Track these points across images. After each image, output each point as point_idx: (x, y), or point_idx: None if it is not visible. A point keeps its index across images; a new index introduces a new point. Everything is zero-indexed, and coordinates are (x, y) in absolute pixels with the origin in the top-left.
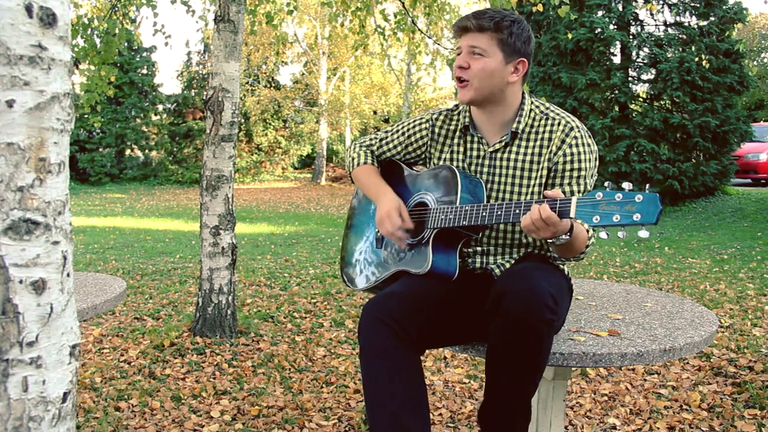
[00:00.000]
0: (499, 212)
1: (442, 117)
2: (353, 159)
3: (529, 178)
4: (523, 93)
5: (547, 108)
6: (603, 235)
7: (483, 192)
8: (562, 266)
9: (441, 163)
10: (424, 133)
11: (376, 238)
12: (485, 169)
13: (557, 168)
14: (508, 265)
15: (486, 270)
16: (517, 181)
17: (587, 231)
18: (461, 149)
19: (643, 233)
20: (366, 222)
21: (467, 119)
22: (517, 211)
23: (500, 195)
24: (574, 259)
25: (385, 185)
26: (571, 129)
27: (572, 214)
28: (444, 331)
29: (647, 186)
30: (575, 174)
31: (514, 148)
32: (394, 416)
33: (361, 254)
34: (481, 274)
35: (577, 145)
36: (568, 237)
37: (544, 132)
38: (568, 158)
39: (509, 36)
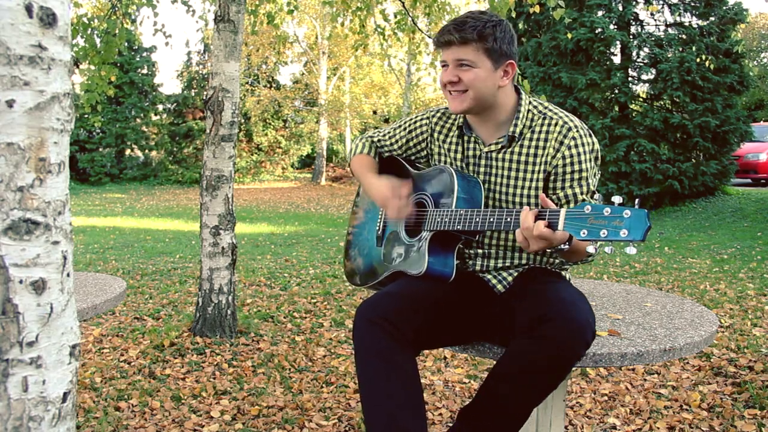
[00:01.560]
0: (492, 219)
1: (439, 114)
2: (353, 150)
3: (524, 179)
4: (520, 93)
5: (546, 107)
6: (590, 249)
7: (481, 193)
8: (564, 272)
9: (440, 160)
10: (424, 129)
11: (377, 236)
12: (482, 169)
13: (557, 171)
14: (509, 278)
15: (484, 274)
16: (512, 182)
17: None
18: (459, 148)
19: (630, 249)
20: (369, 220)
21: (461, 119)
22: (509, 219)
23: (496, 195)
24: (580, 263)
25: (373, 172)
26: (569, 129)
27: (560, 227)
28: (441, 331)
29: (636, 201)
30: (576, 176)
31: (510, 148)
32: (392, 416)
33: (362, 252)
34: (480, 276)
35: (576, 146)
36: (566, 247)
37: (540, 132)
38: (568, 160)
39: (494, 42)
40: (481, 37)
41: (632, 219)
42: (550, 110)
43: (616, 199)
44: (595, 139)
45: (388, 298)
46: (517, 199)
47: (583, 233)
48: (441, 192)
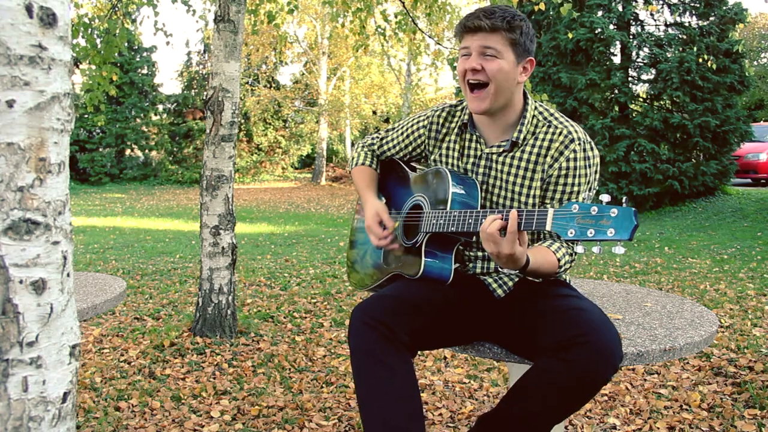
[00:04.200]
0: (483, 220)
1: (444, 114)
2: (353, 159)
3: (522, 185)
4: (526, 96)
5: (551, 114)
6: (579, 249)
7: (478, 194)
8: (564, 276)
9: (439, 160)
10: (421, 132)
11: None
12: (480, 170)
13: (551, 180)
14: (510, 282)
15: (485, 277)
16: (510, 186)
17: (558, 260)
18: (457, 146)
19: (618, 249)
20: None
21: (467, 116)
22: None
23: (494, 198)
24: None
25: (370, 190)
26: (572, 141)
27: (548, 227)
28: (439, 333)
29: (624, 199)
30: (567, 189)
31: (511, 153)
32: (388, 418)
33: (363, 255)
34: (481, 279)
35: (575, 159)
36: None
37: (543, 140)
38: (563, 172)
39: (521, 35)
40: (510, 27)
41: (619, 218)
42: (556, 118)
43: (604, 198)
44: (596, 152)
45: (382, 301)
46: (515, 204)
47: (571, 233)
48: (437, 194)
